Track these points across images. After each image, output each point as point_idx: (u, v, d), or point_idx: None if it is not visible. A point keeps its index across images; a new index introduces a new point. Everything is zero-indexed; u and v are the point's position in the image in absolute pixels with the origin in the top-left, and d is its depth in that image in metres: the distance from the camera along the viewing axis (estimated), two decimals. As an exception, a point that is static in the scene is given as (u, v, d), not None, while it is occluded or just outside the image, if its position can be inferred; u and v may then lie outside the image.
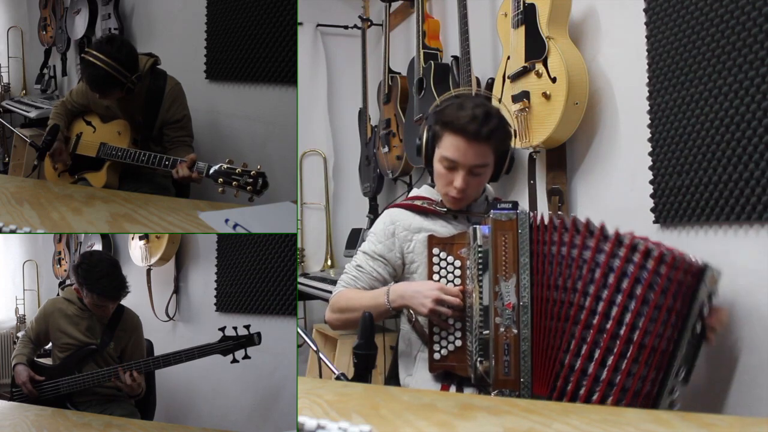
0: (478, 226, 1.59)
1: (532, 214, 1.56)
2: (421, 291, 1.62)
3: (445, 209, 1.77)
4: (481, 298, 1.54)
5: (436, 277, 1.65)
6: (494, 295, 1.52)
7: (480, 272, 1.54)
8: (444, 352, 1.64)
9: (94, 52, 2.27)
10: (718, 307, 1.56)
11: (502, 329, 1.51)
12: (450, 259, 1.64)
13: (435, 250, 1.66)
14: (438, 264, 1.65)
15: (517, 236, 1.53)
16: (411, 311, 1.73)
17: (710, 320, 1.53)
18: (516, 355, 1.51)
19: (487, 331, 1.52)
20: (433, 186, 1.83)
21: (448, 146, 1.68)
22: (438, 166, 1.73)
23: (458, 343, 1.63)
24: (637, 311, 1.47)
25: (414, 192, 1.87)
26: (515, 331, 1.51)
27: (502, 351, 1.51)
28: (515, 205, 1.59)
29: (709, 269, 1.52)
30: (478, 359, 1.53)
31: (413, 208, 1.80)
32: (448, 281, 1.64)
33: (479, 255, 1.55)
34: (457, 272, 1.64)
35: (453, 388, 1.67)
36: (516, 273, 1.52)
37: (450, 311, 1.60)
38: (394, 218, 1.80)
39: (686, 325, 1.49)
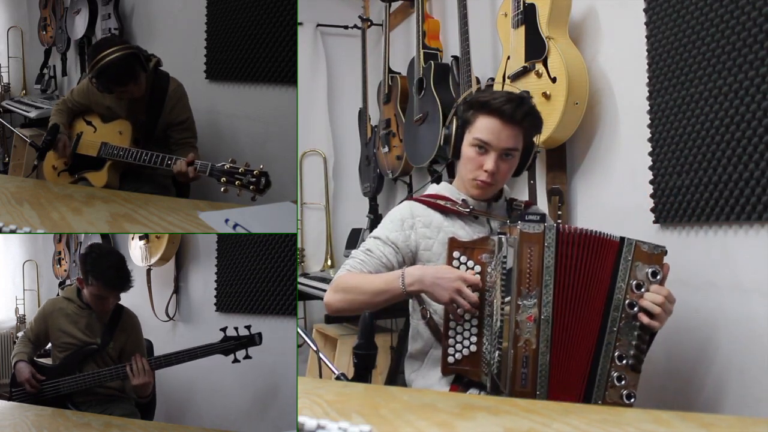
0: (503, 236, 1.57)
1: (558, 227, 1.55)
2: (442, 278, 1.58)
3: (468, 210, 1.75)
4: (502, 309, 1.53)
5: None
6: (516, 307, 1.51)
7: (503, 283, 1.53)
8: (458, 356, 1.63)
9: (101, 54, 2.28)
10: (657, 286, 1.51)
11: (521, 342, 1.50)
12: (470, 263, 1.62)
13: (455, 254, 1.63)
14: (457, 267, 1.63)
15: (543, 250, 1.52)
16: (426, 307, 1.73)
17: (642, 300, 1.50)
18: (534, 369, 1.50)
19: (507, 338, 1.52)
20: (450, 182, 1.83)
21: (482, 128, 1.68)
22: (468, 151, 1.72)
23: (474, 348, 1.62)
24: (579, 298, 1.51)
25: (433, 189, 1.84)
26: (535, 344, 1.50)
27: (520, 363, 1.50)
28: (543, 217, 1.58)
29: (629, 244, 1.51)
30: (495, 369, 1.53)
31: (435, 206, 1.78)
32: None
33: (503, 266, 1.54)
34: (477, 277, 1.63)
35: (460, 389, 1.66)
36: (539, 286, 1.51)
37: (468, 305, 1.58)
38: (415, 212, 1.77)
39: (610, 303, 1.51)
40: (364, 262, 1.72)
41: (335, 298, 1.69)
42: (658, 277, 1.51)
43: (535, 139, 1.76)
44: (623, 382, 1.50)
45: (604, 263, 1.53)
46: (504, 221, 1.74)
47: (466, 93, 1.80)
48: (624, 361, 1.50)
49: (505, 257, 1.54)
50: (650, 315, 1.49)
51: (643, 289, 1.51)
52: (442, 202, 1.77)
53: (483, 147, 1.69)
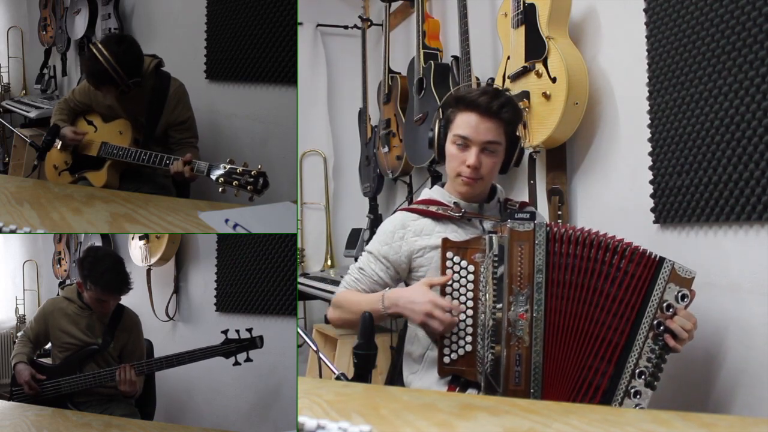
0: (494, 235, 1.58)
1: (548, 224, 1.56)
2: (414, 302, 1.62)
3: (460, 214, 1.76)
4: (494, 307, 1.53)
5: (449, 281, 1.65)
6: (508, 305, 1.51)
7: (495, 282, 1.54)
8: (454, 356, 1.63)
9: (100, 47, 2.28)
10: (688, 312, 1.53)
11: (514, 340, 1.51)
12: (464, 263, 1.63)
13: (449, 254, 1.64)
14: (451, 268, 1.64)
15: (534, 247, 1.53)
16: None
17: (670, 322, 1.51)
18: (527, 366, 1.51)
19: (499, 347, 1.52)
20: (442, 186, 1.83)
21: (461, 124, 1.71)
22: (451, 149, 1.74)
23: (468, 348, 1.62)
24: (600, 305, 1.53)
25: (426, 194, 1.86)
26: (527, 342, 1.51)
27: (513, 361, 1.51)
28: (533, 215, 1.59)
29: (667, 264, 1.52)
30: (489, 368, 1.53)
31: (427, 213, 1.79)
32: (460, 285, 1.64)
33: (494, 264, 1.54)
34: (470, 277, 1.63)
35: (458, 390, 1.67)
36: (531, 284, 1.52)
37: (440, 326, 1.60)
38: (405, 222, 1.79)
39: (640, 319, 1.51)
40: (358, 280, 1.82)
41: (334, 315, 1.83)
42: (686, 301, 1.52)
43: (519, 133, 1.78)
44: (638, 398, 1.51)
45: (615, 269, 1.53)
46: (497, 222, 1.74)
47: (446, 96, 1.82)
48: (642, 378, 1.51)
49: (495, 256, 1.54)
50: (674, 337, 1.51)
51: (671, 311, 1.52)
52: (433, 208, 1.78)
53: (463, 142, 1.71)
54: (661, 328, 1.51)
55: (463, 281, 1.63)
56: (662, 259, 1.53)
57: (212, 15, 2.82)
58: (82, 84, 2.61)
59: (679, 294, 1.52)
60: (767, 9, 1.58)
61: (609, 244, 1.55)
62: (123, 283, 2.26)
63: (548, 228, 1.55)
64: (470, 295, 1.62)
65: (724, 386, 1.74)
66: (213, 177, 2.06)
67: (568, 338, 1.53)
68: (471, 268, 1.63)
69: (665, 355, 1.53)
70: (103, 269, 2.22)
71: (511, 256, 1.53)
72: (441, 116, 1.79)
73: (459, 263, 1.64)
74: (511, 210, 1.70)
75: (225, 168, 2.03)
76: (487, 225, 1.78)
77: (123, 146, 2.39)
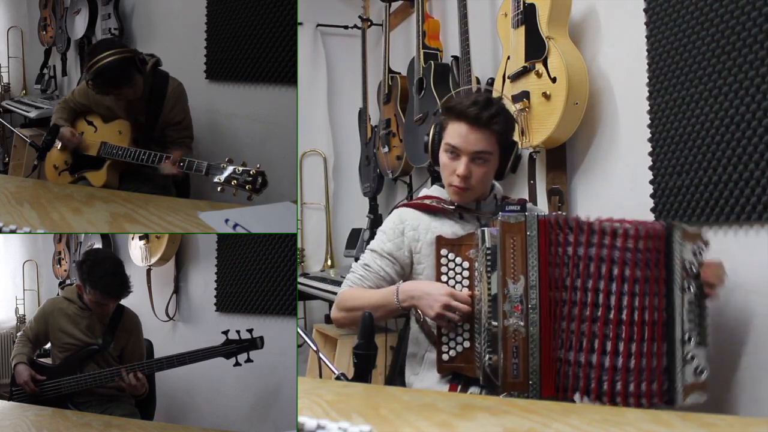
0: (486, 228, 1.58)
1: (539, 215, 1.55)
2: (431, 294, 1.62)
3: (454, 207, 1.76)
4: (489, 301, 1.54)
5: (444, 278, 1.65)
6: (503, 297, 1.51)
7: (488, 274, 1.54)
8: (452, 353, 1.64)
9: (97, 57, 2.28)
10: (710, 261, 1.52)
11: (510, 332, 1.51)
12: (458, 260, 1.64)
13: (443, 251, 1.65)
14: (446, 265, 1.65)
15: (526, 238, 1.52)
16: (419, 312, 1.73)
17: (704, 276, 1.50)
18: (525, 358, 1.50)
19: (496, 330, 1.52)
20: (443, 186, 1.84)
21: (452, 133, 1.71)
22: (443, 157, 1.74)
23: (466, 344, 1.62)
24: (620, 291, 1.49)
25: (424, 192, 1.87)
26: (524, 334, 1.51)
27: (510, 353, 1.51)
28: (523, 206, 1.58)
29: (677, 227, 1.49)
30: (487, 363, 1.53)
31: (422, 207, 1.80)
32: (456, 282, 1.64)
33: (488, 257, 1.55)
34: (465, 273, 1.63)
35: (459, 388, 1.67)
36: (524, 275, 1.51)
37: (458, 317, 1.60)
38: (403, 217, 1.80)
39: (673, 289, 1.49)
40: (364, 277, 1.79)
41: (339, 316, 1.79)
42: (704, 253, 1.51)
43: (515, 138, 1.77)
44: (695, 360, 1.49)
45: (624, 251, 1.49)
46: (491, 216, 1.75)
47: (445, 99, 1.82)
48: (692, 341, 1.48)
49: (488, 249, 1.54)
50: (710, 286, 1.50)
51: (695, 270, 1.49)
52: (429, 202, 1.79)
53: (454, 152, 1.71)
54: (692, 289, 1.49)
55: (458, 278, 1.64)
56: (671, 225, 1.49)
57: (212, 15, 2.82)
58: (82, 85, 2.61)
59: (697, 249, 1.50)
60: (767, 9, 1.58)
61: (606, 228, 1.51)
62: (122, 287, 2.26)
63: (539, 218, 1.53)
64: (466, 291, 1.62)
65: (725, 386, 1.74)
66: (211, 176, 2.06)
67: (564, 326, 1.51)
68: (465, 264, 1.63)
69: (705, 308, 1.51)
70: (102, 273, 2.22)
71: (503, 248, 1.52)
72: (437, 121, 1.79)
73: (453, 260, 1.65)
74: (504, 204, 1.70)
75: (223, 167, 2.03)
76: (484, 221, 1.78)
77: (122, 146, 2.40)
